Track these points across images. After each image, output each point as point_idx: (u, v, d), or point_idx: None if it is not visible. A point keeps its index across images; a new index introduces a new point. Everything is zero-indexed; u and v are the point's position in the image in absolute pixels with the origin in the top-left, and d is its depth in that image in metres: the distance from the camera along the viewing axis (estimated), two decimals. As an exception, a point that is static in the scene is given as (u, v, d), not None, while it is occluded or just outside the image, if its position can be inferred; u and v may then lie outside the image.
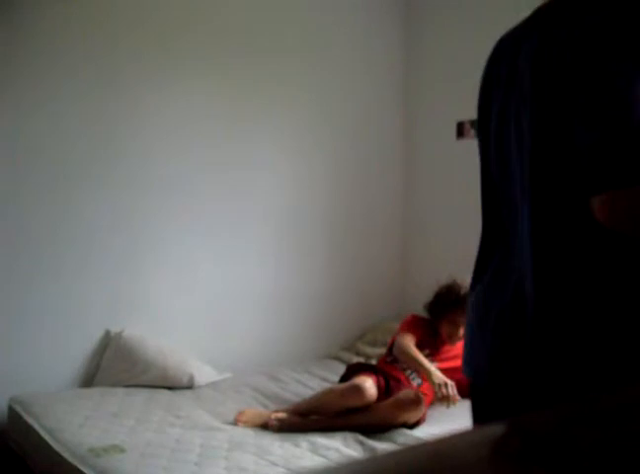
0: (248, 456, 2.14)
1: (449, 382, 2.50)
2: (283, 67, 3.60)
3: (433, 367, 2.64)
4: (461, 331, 2.72)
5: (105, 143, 3.10)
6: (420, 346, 2.84)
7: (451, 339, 2.90)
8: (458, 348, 2.75)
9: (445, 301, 2.93)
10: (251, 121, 3.48)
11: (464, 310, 2.48)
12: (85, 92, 3.04)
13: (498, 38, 3.46)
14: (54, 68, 2.97)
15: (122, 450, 2.12)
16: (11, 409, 2.74)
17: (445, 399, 2.45)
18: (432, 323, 2.98)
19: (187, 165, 3.31)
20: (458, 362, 2.63)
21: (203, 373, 3.08)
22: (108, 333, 3.12)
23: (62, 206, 3.02)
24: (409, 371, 2.80)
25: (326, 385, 2.93)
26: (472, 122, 3.69)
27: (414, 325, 2.98)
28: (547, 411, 0.64)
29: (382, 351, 3.53)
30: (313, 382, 3.10)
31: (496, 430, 0.65)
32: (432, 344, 2.93)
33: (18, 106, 2.91)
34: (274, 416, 2.49)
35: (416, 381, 2.77)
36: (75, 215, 3.05)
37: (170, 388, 2.95)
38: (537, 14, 1.29)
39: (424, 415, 2.58)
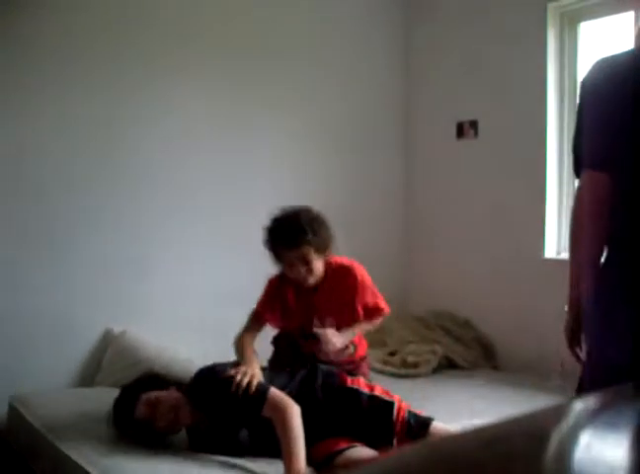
0: (254, 459, 2.14)
1: (248, 372, 2.22)
2: (283, 68, 3.60)
3: (247, 357, 2.34)
4: (303, 269, 2.37)
5: (109, 146, 3.11)
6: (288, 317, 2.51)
7: (302, 282, 2.43)
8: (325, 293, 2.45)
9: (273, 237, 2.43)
10: (251, 124, 3.48)
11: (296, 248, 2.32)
12: (88, 95, 3.05)
13: (497, 39, 3.54)
14: (59, 72, 2.98)
15: (126, 451, 2.12)
16: (11, 407, 2.74)
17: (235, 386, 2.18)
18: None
19: (190, 167, 3.31)
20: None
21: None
22: (109, 332, 3.12)
23: (64, 206, 3.02)
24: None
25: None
26: (472, 123, 3.70)
27: (266, 299, 2.54)
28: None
29: (381, 351, 3.53)
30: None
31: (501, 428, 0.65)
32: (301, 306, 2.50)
33: (23, 108, 2.92)
34: None
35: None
36: (77, 215, 3.05)
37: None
38: None
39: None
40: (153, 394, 2.22)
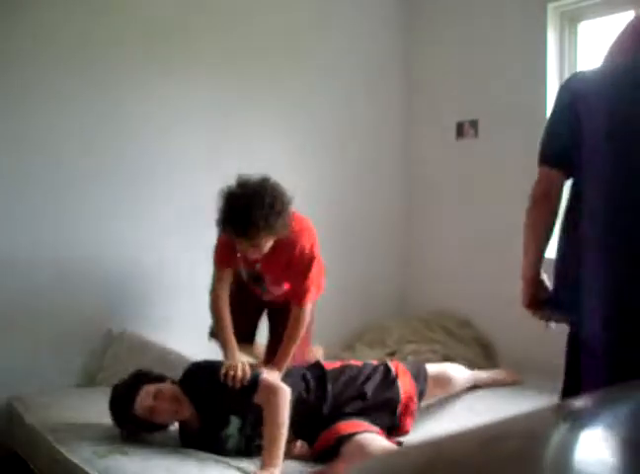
0: (250, 458, 2.15)
1: (239, 366, 2.29)
2: (283, 67, 3.60)
3: (231, 350, 2.41)
4: (251, 250, 2.36)
5: (106, 142, 3.11)
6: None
7: (248, 257, 2.44)
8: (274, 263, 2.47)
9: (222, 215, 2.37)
10: (251, 124, 3.48)
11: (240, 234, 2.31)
12: (84, 88, 3.05)
13: (498, 39, 3.56)
14: (53, 64, 2.98)
15: (125, 452, 2.12)
16: (11, 407, 2.74)
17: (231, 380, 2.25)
18: None
19: (190, 168, 3.31)
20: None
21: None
22: (110, 332, 3.12)
23: (65, 205, 3.03)
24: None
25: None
26: (472, 122, 3.70)
27: (222, 249, 2.56)
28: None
29: (380, 351, 3.53)
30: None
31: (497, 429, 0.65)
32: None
33: (20, 98, 2.92)
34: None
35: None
36: (77, 214, 3.05)
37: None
38: None
39: None
40: (152, 386, 2.24)
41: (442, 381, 2.65)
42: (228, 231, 2.37)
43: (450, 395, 2.73)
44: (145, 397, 2.20)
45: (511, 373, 3.07)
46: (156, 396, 2.21)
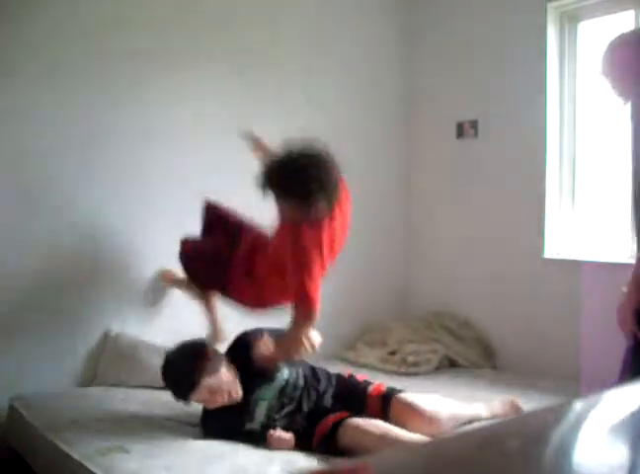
0: (249, 456, 2.15)
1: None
2: (282, 66, 3.60)
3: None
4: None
5: (107, 142, 3.11)
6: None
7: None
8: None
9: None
10: (250, 117, 3.48)
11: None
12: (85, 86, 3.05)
13: (498, 39, 3.59)
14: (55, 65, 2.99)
15: (126, 451, 2.13)
16: (12, 408, 2.75)
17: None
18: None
19: (192, 169, 3.31)
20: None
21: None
22: (107, 333, 3.12)
23: (61, 207, 3.03)
24: None
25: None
26: (472, 123, 3.70)
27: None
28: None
29: (381, 351, 3.53)
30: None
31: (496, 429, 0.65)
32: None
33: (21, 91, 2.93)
34: None
35: None
36: (75, 217, 3.05)
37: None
38: None
39: None
40: (213, 381, 2.30)
41: (412, 415, 2.37)
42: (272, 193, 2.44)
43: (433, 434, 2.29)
44: (203, 393, 2.29)
45: (511, 406, 2.56)
46: (214, 391, 2.30)
